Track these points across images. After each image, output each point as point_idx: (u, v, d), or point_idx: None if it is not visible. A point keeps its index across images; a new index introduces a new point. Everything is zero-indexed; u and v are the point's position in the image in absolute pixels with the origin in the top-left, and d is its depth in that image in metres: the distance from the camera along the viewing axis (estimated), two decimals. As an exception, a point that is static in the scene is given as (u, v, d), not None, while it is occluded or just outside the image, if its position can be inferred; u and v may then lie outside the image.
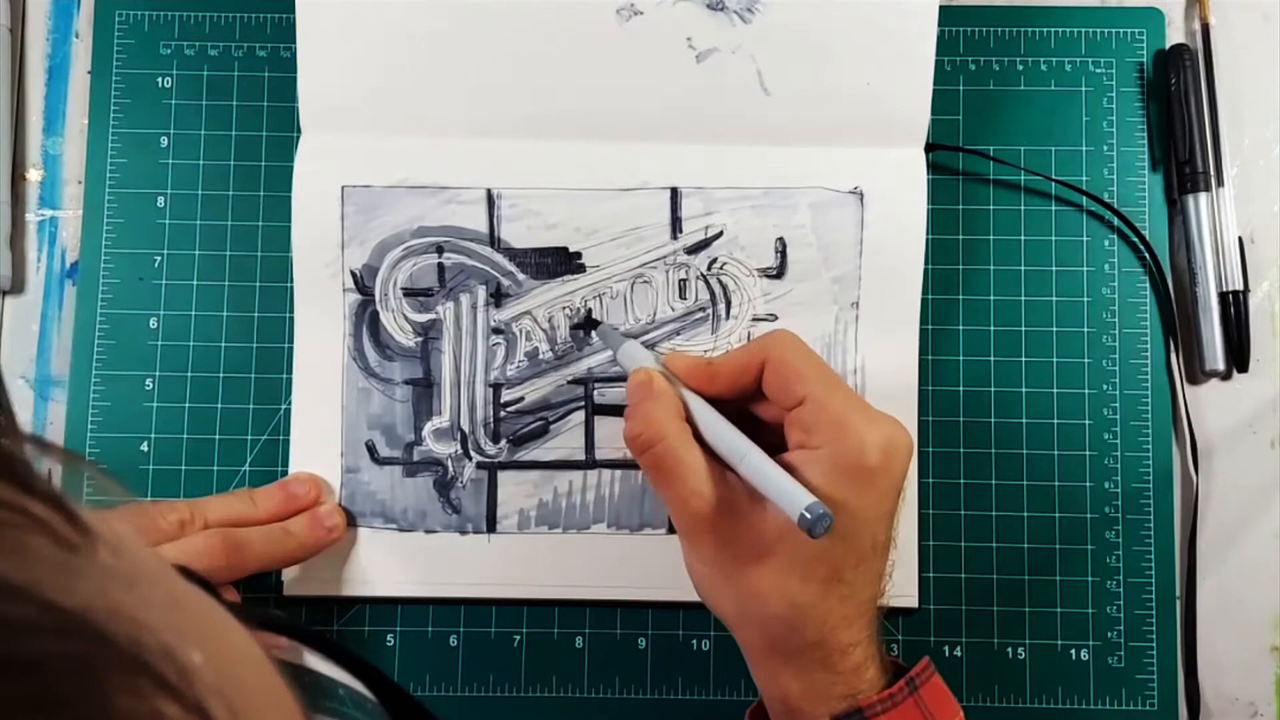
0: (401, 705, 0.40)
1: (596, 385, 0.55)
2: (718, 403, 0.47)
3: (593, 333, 0.55)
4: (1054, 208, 0.57)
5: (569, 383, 0.55)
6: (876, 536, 0.44)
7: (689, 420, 0.46)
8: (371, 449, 0.55)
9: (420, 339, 0.55)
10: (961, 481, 0.56)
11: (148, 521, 0.49)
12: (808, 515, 0.40)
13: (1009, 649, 0.55)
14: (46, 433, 0.57)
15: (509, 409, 0.55)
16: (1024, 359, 0.56)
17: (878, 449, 0.42)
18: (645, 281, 0.55)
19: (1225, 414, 0.57)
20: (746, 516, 0.44)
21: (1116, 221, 0.57)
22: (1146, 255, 0.57)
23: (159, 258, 0.57)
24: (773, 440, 0.45)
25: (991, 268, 0.57)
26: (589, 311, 0.55)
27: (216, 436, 0.56)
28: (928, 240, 0.55)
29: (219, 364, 0.56)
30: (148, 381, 0.56)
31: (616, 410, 0.55)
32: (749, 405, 0.48)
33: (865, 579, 0.44)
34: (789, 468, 0.43)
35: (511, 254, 0.56)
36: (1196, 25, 0.58)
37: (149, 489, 0.55)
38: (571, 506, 0.55)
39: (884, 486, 0.43)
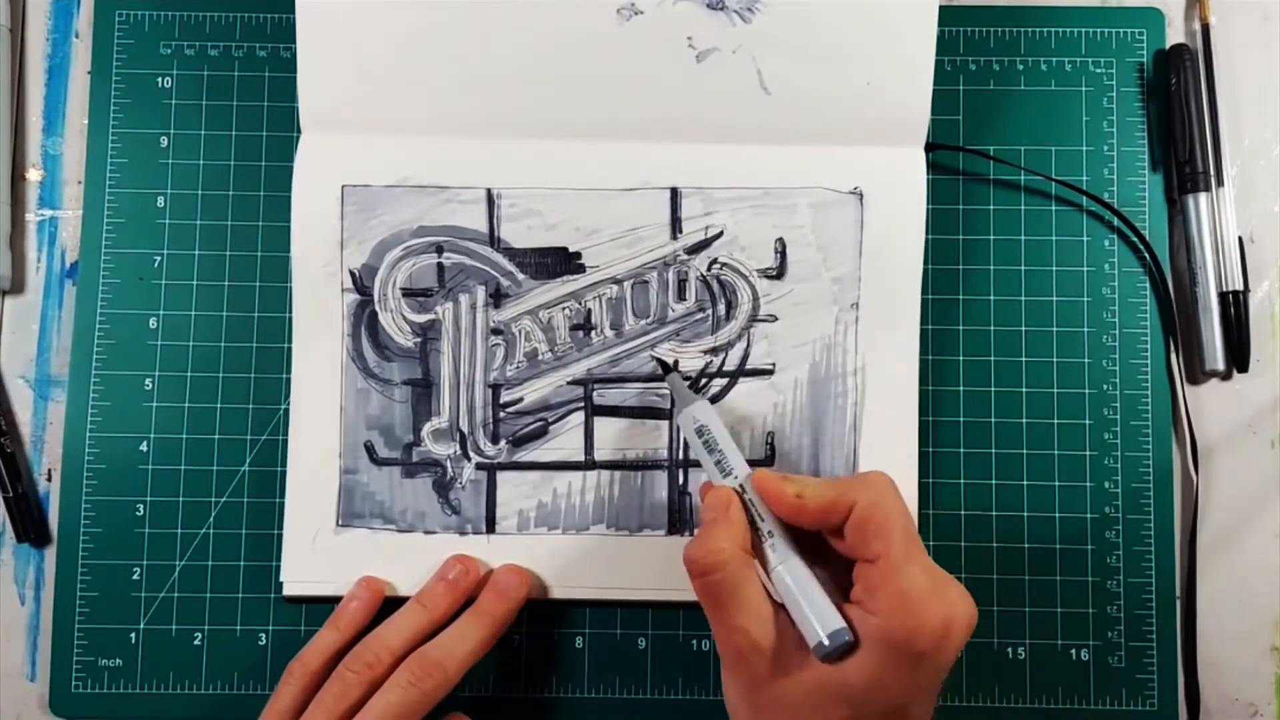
0: None
1: (596, 386, 0.55)
2: None
3: (667, 378, 0.54)
4: (1054, 208, 0.57)
5: (568, 383, 0.55)
6: (911, 713, 0.43)
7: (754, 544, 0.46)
8: (370, 450, 0.55)
9: (419, 339, 0.55)
10: (961, 481, 0.56)
11: (342, 689, 0.49)
12: (826, 643, 0.42)
13: (1009, 649, 0.55)
14: (46, 433, 0.57)
15: (508, 410, 0.55)
16: (1024, 359, 0.56)
17: (932, 635, 0.41)
18: (645, 282, 0.55)
19: (1225, 414, 0.57)
20: (789, 670, 0.43)
21: (1116, 221, 0.57)
22: (1146, 255, 0.57)
23: (159, 258, 0.57)
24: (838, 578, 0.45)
25: (991, 268, 0.57)
26: (668, 362, 0.55)
27: (216, 436, 0.56)
28: (928, 240, 0.55)
29: (219, 364, 0.56)
30: (147, 381, 0.56)
31: (616, 411, 0.55)
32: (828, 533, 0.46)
33: None
34: (850, 613, 0.43)
35: (511, 254, 0.56)
36: (1196, 25, 0.58)
37: (149, 489, 0.55)
38: (571, 507, 0.55)
39: (929, 669, 0.42)
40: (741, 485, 0.47)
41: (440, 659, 0.49)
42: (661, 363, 0.54)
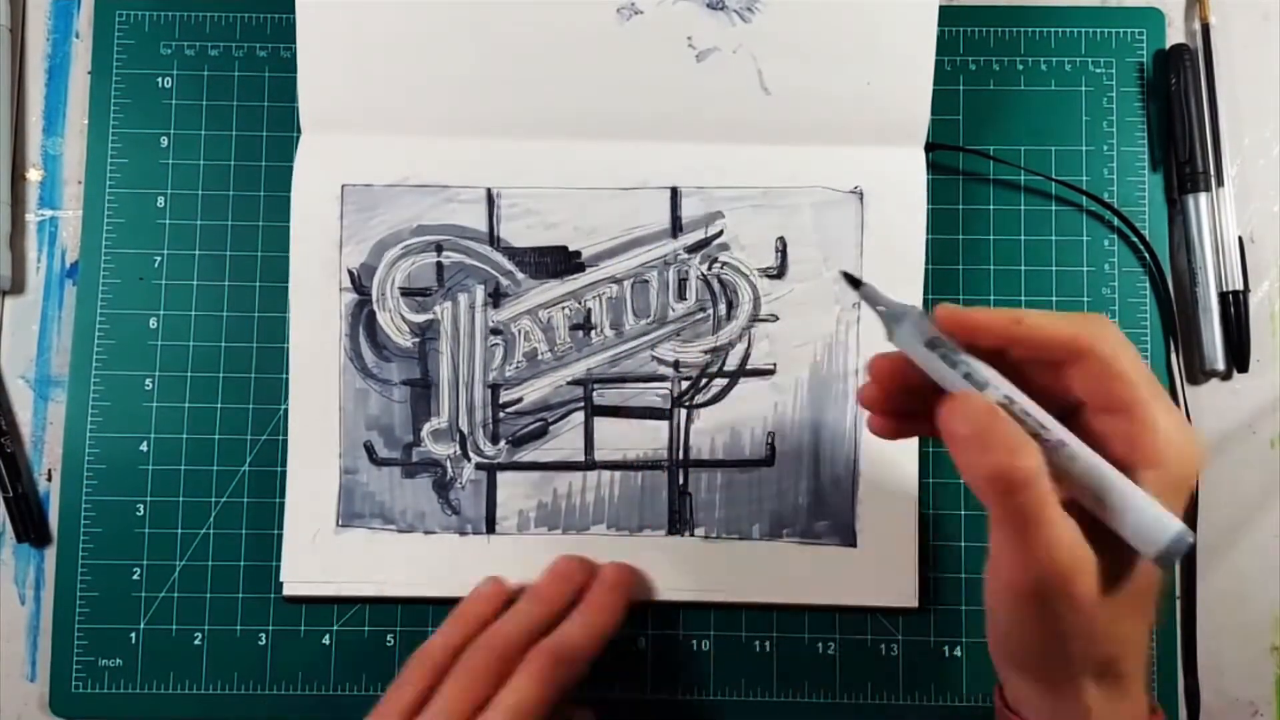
0: None
1: (596, 386, 0.55)
2: None
3: (858, 292, 0.42)
4: (1054, 208, 0.57)
5: (568, 383, 0.55)
6: None
7: None
8: (370, 450, 0.55)
9: (418, 339, 0.55)
10: (962, 481, 0.55)
11: (469, 682, 0.48)
12: (1176, 543, 0.36)
13: (1009, 649, 0.55)
14: (46, 433, 0.57)
15: (508, 410, 0.55)
16: (1024, 359, 0.56)
17: (1199, 467, 0.39)
18: (645, 281, 0.55)
19: (1225, 414, 0.57)
20: (1116, 579, 0.38)
21: (1116, 221, 0.57)
22: (1146, 255, 0.57)
23: (159, 258, 0.57)
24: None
25: (991, 268, 0.57)
26: (856, 276, 0.44)
27: (216, 436, 0.56)
28: (928, 240, 0.55)
29: (219, 364, 0.56)
30: (148, 381, 0.56)
31: (616, 411, 0.55)
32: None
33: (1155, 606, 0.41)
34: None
35: (511, 253, 0.56)
36: (1196, 25, 0.58)
37: (149, 489, 0.55)
38: (571, 508, 0.55)
39: (1185, 502, 0.39)
40: (1008, 397, 0.38)
41: (566, 652, 0.49)
42: (849, 277, 0.42)
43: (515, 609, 0.51)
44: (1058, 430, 0.38)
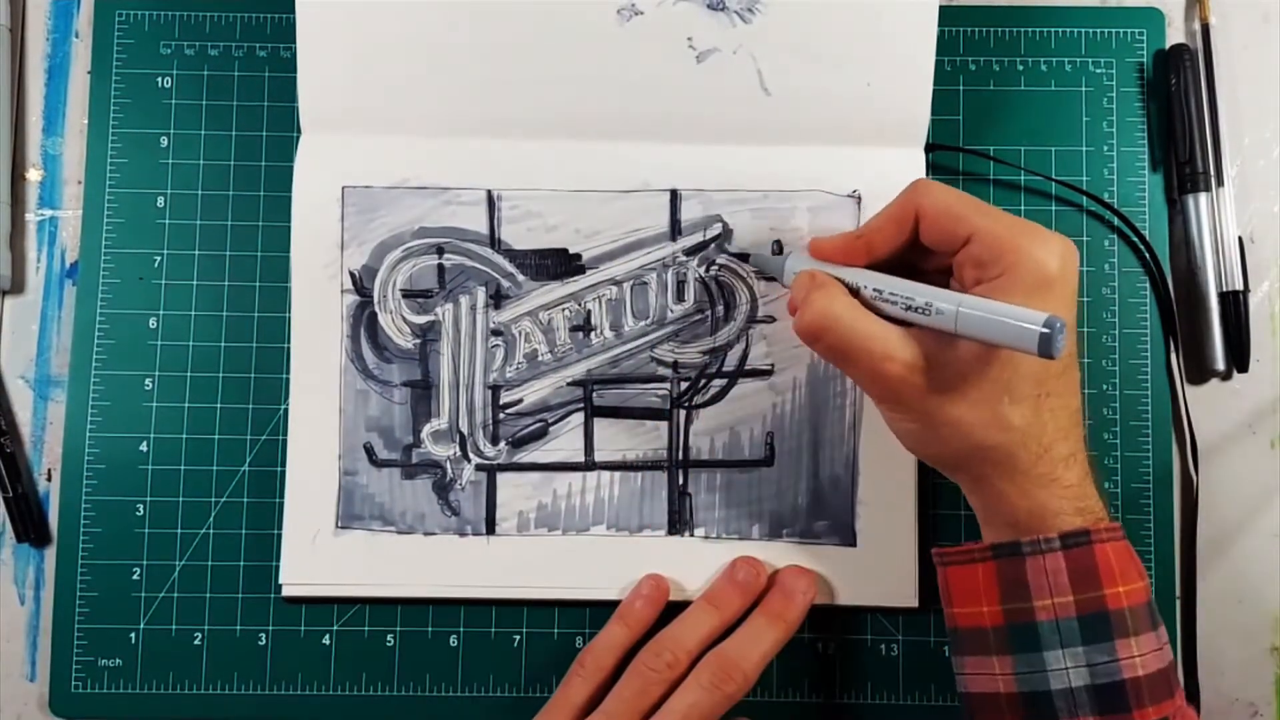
0: None
1: (596, 387, 0.55)
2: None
3: (749, 259, 0.55)
4: (1054, 208, 0.57)
5: (568, 385, 0.55)
6: (1070, 344, 0.44)
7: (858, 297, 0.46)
8: (370, 451, 0.55)
9: (419, 341, 0.55)
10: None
11: (642, 686, 0.49)
12: (1046, 330, 0.39)
13: (1008, 649, 0.55)
14: (46, 433, 0.57)
15: (508, 411, 0.55)
16: (1024, 359, 0.56)
17: (1057, 258, 0.43)
18: (644, 283, 0.55)
19: (1225, 414, 0.57)
20: (940, 361, 0.44)
21: (1116, 221, 0.57)
22: (1147, 255, 0.57)
23: (159, 258, 0.57)
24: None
25: (991, 268, 0.57)
26: (742, 253, 0.55)
27: (216, 436, 0.56)
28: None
29: (219, 364, 0.56)
30: (147, 381, 0.56)
31: (616, 412, 0.55)
32: (905, 264, 0.48)
33: (1069, 387, 0.45)
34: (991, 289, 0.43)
35: (511, 255, 0.56)
36: (1196, 25, 0.58)
37: (149, 489, 0.55)
38: (571, 508, 0.55)
39: (1067, 293, 0.43)
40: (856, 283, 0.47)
41: (738, 660, 0.49)
42: (739, 254, 0.55)
43: (691, 613, 0.51)
44: (876, 279, 0.46)
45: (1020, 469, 0.44)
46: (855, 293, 0.46)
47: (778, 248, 0.55)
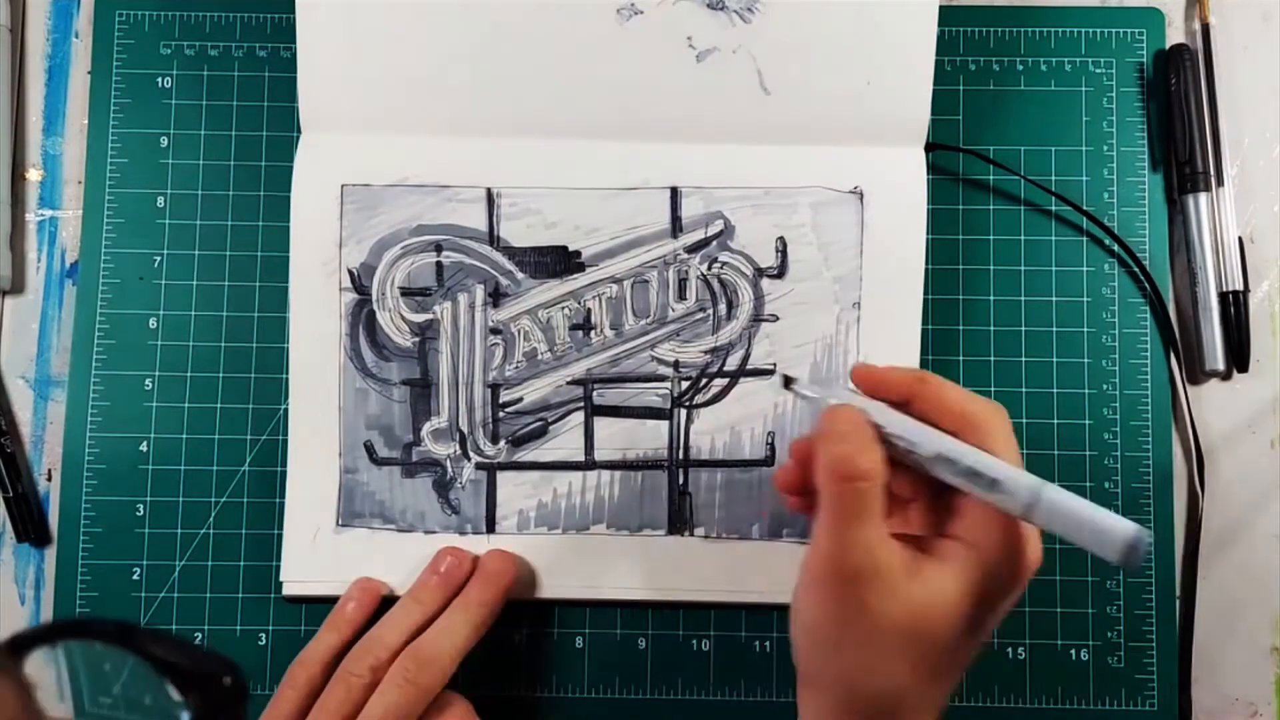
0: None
1: (596, 386, 0.55)
2: None
3: (791, 388, 0.47)
4: (1054, 207, 0.57)
5: (568, 383, 0.55)
6: (972, 647, 0.42)
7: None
8: (370, 449, 0.55)
9: (418, 339, 0.55)
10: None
11: (345, 693, 0.48)
12: (1139, 545, 0.36)
13: (1009, 649, 0.55)
14: (46, 433, 0.57)
15: (508, 409, 0.55)
16: (1024, 359, 0.56)
17: (1036, 559, 0.42)
18: (645, 281, 0.55)
19: (1225, 414, 0.57)
20: (897, 590, 0.40)
21: (1116, 228, 0.57)
22: (1146, 261, 0.57)
23: (159, 258, 0.57)
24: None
25: (991, 268, 0.57)
26: (787, 377, 0.48)
27: (216, 436, 0.56)
28: (928, 240, 0.55)
29: (219, 364, 0.56)
30: (147, 381, 0.56)
31: (616, 411, 0.55)
32: None
33: (960, 673, 0.43)
34: (948, 554, 0.41)
35: (511, 253, 0.56)
36: (1196, 25, 0.58)
37: (148, 489, 0.55)
38: (571, 507, 0.55)
39: (1006, 607, 0.42)
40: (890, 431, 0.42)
41: (433, 653, 0.49)
42: (784, 377, 0.48)
43: (393, 612, 0.52)
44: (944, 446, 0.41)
45: (867, 715, 0.42)
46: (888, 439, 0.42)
47: (780, 244, 0.55)
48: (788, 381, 0.47)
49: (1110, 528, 0.37)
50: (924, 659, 0.41)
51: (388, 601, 0.53)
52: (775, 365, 0.55)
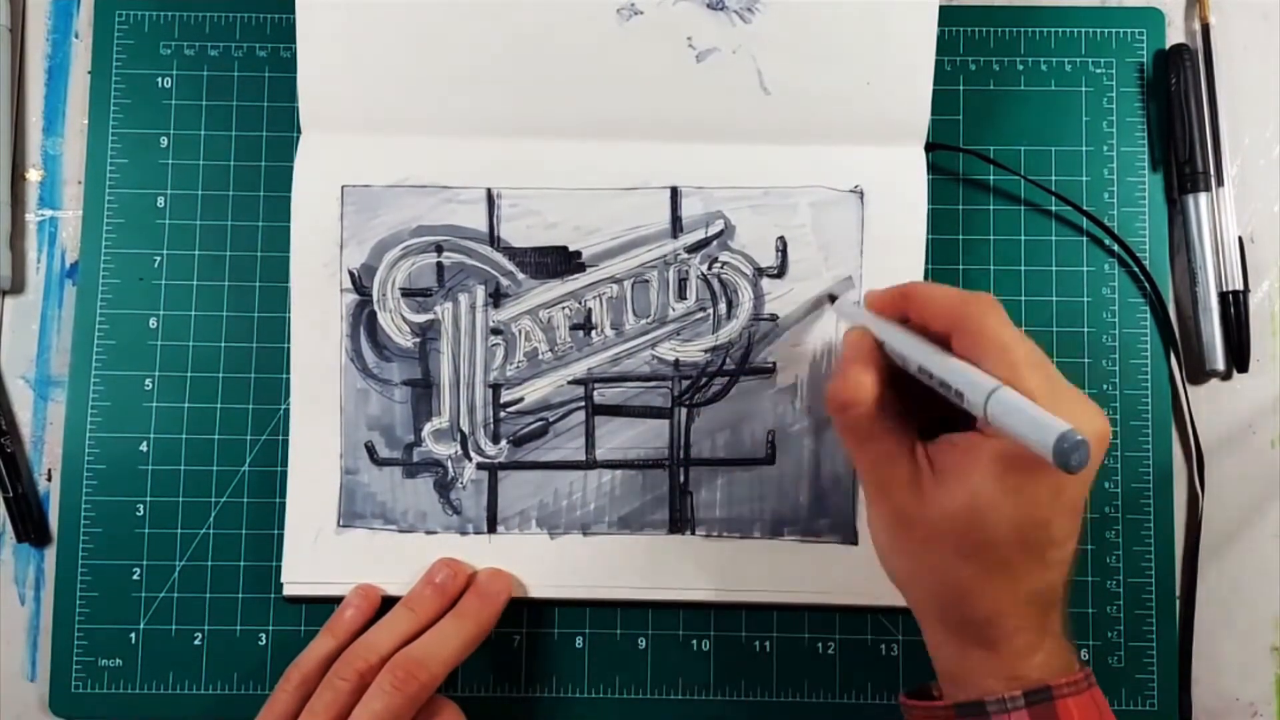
0: None
1: (596, 385, 0.55)
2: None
3: (829, 306, 0.55)
4: (1054, 207, 0.57)
5: (569, 383, 0.55)
6: (1053, 534, 0.42)
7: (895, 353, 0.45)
8: (371, 450, 0.55)
9: (418, 339, 0.55)
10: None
11: (333, 696, 0.48)
12: (1064, 444, 0.36)
13: (1009, 649, 0.55)
14: (46, 433, 0.57)
15: (509, 409, 0.55)
16: (1024, 359, 0.56)
17: (1090, 431, 0.39)
18: (645, 281, 0.55)
19: (1225, 414, 0.57)
20: (927, 492, 0.43)
21: (1116, 227, 0.57)
22: (1145, 281, 0.57)
23: (159, 258, 0.57)
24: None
25: (991, 268, 0.57)
26: (832, 295, 0.55)
27: (216, 436, 0.56)
28: (928, 240, 0.55)
29: (219, 364, 0.56)
30: (147, 381, 0.56)
31: (617, 410, 0.55)
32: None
33: (1035, 570, 0.42)
34: (965, 447, 0.42)
35: (511, 253, 0.55)
36: (1196, 25, 0.59)
37: (148, 489, 0.55)
38: (572, 507, 0.55)
39: (1067, 486, 0.42)
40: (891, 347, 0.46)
41: (422, 661, 0.49)
42: (831, 296, 0.55)
43: (387, 619, 0.52)
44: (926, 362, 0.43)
45: (958, 621, 0.44)
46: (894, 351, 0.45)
47: (780, 244, 0.55)
48: (832, 298, 0.54)
49: (1046, 424, 0.37)
50: (978, 552, 0.42)
51: (388, 603, 0.53)
52: (775, 364, 0.55)
